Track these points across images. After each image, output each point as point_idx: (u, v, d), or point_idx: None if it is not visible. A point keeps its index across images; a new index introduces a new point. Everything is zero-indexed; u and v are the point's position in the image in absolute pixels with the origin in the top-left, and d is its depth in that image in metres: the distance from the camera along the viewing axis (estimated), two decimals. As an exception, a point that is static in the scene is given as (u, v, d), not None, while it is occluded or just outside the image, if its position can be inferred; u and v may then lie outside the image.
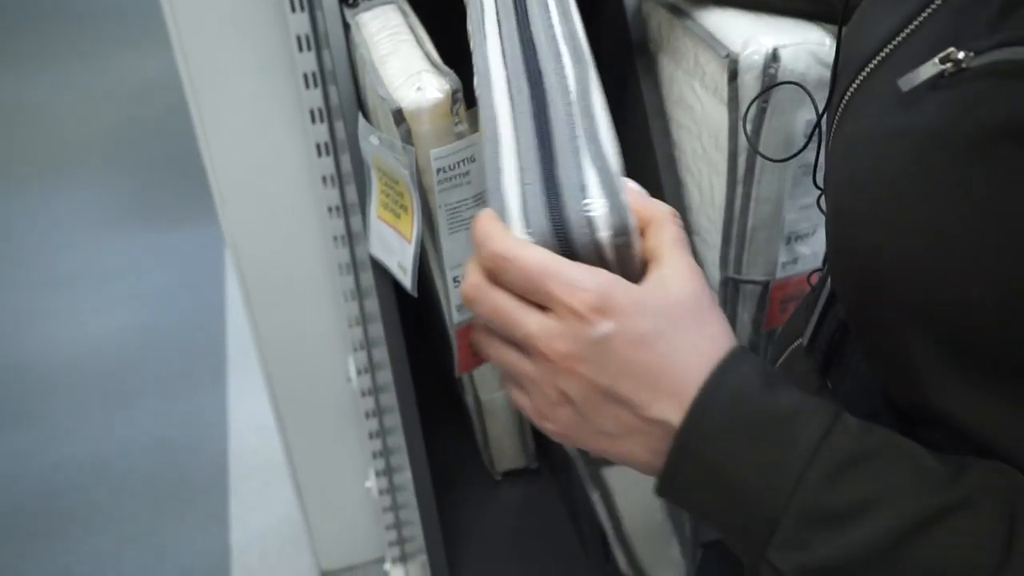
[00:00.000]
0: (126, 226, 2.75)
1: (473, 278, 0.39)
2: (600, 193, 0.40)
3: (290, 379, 1.38)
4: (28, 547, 1.71)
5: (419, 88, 0.64)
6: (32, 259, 2.62)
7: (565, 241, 0.39)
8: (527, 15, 0.50)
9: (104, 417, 2.03)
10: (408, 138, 0.63)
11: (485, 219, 0.40)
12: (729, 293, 0.75)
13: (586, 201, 0.40)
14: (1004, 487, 0.33)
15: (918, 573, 0.32)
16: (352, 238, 1.16)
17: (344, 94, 0.75)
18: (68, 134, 3.36)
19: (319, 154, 1.09)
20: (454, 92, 0.63)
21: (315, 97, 1.04)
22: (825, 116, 0.49)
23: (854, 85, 0.40)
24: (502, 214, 0.40)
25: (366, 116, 0.74)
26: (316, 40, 1.00)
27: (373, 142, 0.68)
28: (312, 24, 0.99)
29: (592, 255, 0.39)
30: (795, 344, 0.55)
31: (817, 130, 0.52)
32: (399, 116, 0.63)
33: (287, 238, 1.23)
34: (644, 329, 0.37)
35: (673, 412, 0.37)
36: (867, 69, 0.39)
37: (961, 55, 0.32)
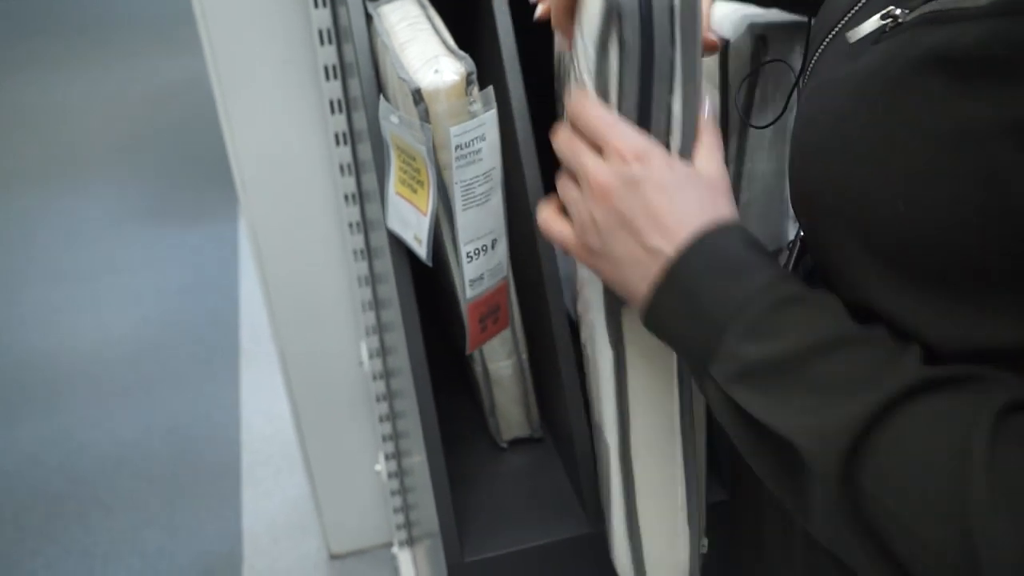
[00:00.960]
0: (146, 224, 2.82)
1: (563, 128, 0.53)
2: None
3: (304, 363, 1.43)
4: (50, 528, 1.77)
5: (437, 71, 0.69)
6: (56, 254, 2.70)
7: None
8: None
9: (124, 405, 2.09)
10: (426, 117, 0.68)
11: (580, 93, 0.51)
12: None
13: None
14: (903, 341, 0.40)
15: (820, 381, 0.40)
16: (367, 225, 1.21)
17: (366, 80, 0.81)
18: (92, 135, 3.45)
19: (337, 143, 1.14)
20: (469, 74, 0.69)
21: (335, 88, 1.10)
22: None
23: (820, 49, 0.47)
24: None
25: (387, 98, 0.79)
26: (337, 34, 1.05)
27: (393, 121, 0.74)
28: (333, 19, 1.05)
29: None
30: None
31: (795, 92, 0.58)
32: (418, 96, 0.68)
33: (304, 225, 1.28)
34: (667, 180, 0.47)
35: (667, 247, 0.46)
36: (831, 35, 0.46)
37: (898, 11, 0.38)
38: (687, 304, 0.45)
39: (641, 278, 0.47)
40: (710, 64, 0.74)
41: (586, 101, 0.50)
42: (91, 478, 1.89)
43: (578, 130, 0.51)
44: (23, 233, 2.82)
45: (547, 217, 0.56)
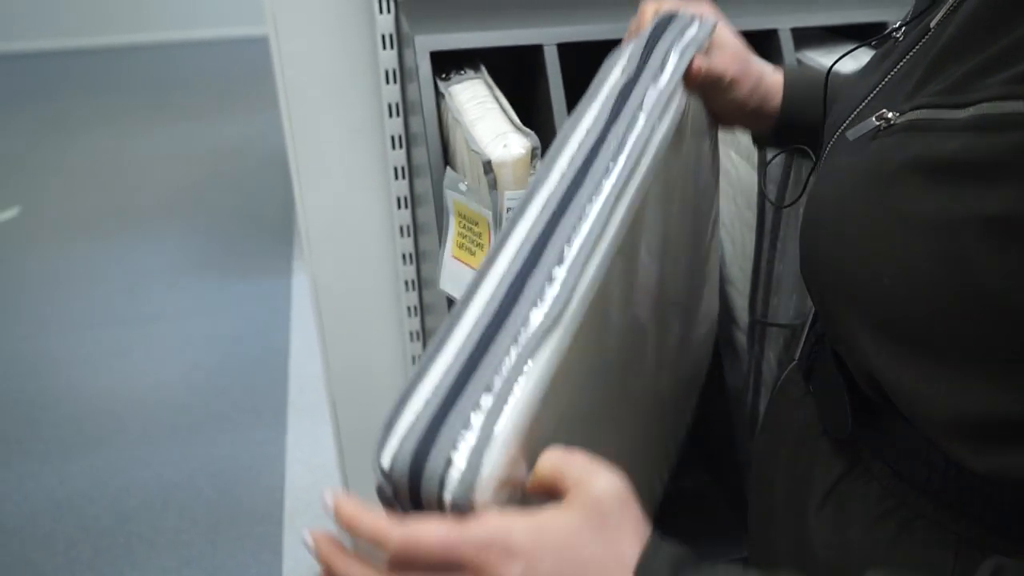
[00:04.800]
0: (202, 275, 2.95)
1: None
2: (464, 460, 0.40)
3: (354, 414, 1.49)
4: (98, 562, 1.83)
5: (505, 145, 0.77)
6: (116, 300, 2.83)
7: (414, 487, 0.40)
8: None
9: (173, 447, 2.17)
10: (494, 185, 0.77)
11: (364, 516, 0.42)
12: (757, 335, 0.86)
13: (450, 464, 0.40)
14: None
15: None
16: (422, 283, 1.29)
17: (433, 150, 0.89)
18: (155, 190, 3.63)
19: (399, 207, 1.23)
20: (534, 149, 0.77)
21: (399, 157, 1.19)
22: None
23: (831, 142, 0.53)
24: (391, 423, 0.42)
25: (454, 168, 0.88)
26: (404, 107, 1.15)
27: (461, 189, 0.82)
28: (402, 94, 1.15)
29: (432, 508, 0.40)
30: (792, 363, 0.67)
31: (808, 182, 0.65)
32: (488, 167, 0.77)
33: (363, 281, 1.37)
34: (547, 563, 0.39)
35: None
36: (840, 129, 0.52)
37: (890, 115, 0.45)
38: None
39: None
40: (748, 145, 0.81)
41: (398, 524, 0.40)
42: (138, 516, 1.96)
43: (410, 562, 0.40)
44: (87, 279, 2.96)
45: None
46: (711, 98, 0.67)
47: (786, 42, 0.96)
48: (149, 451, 2.15)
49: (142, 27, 5.61)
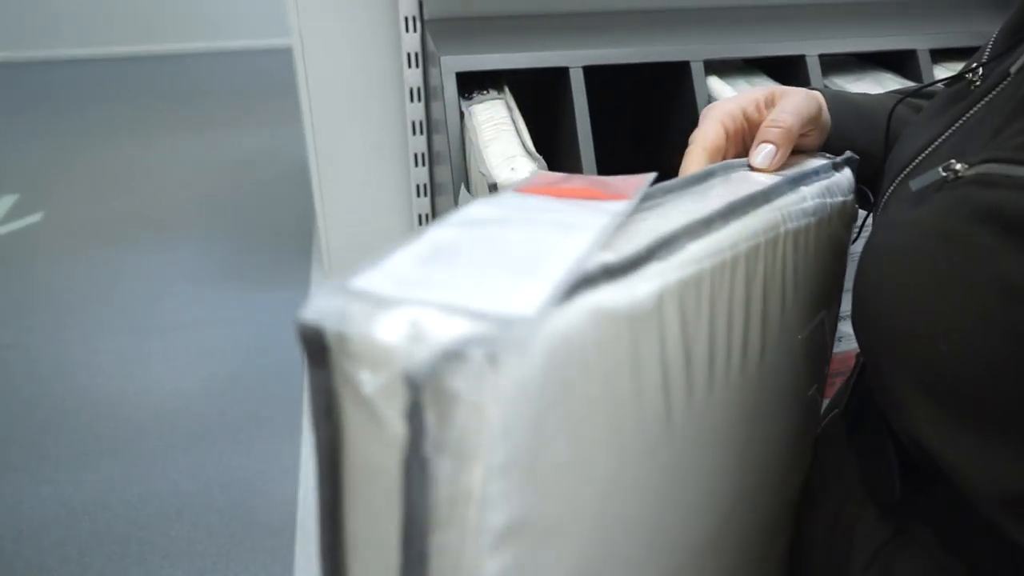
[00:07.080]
0: (220, 284, 2.97)
1: None
2: None
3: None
4: (110, 569, 1.84)
5: (513, 168, 0.77)
6: (134, 308, 2.85)
7: None
8: None
9: (189, 457, 2.17)
10: (500, 208, 0.77)
11: None
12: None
13: None
14: None
15: None
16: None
17: (456, 171, 0.89)
18: (175, 198, 3.66)
19: (420, 223, 1.24)
20: (540, 173, 0.77)
21: (422, 174, 1.20)
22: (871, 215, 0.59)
23: (890, 189, 0.50)
24: None
25: (468, 188, 0.88)
26: (428, 126, 1.16)
27: (475, 210, 0.82)
28: (426, 113, 1.15)
29: None
30: (835, 411, 0.64)
31: (864, 224, 0.63)
32: (493, 189, 0.77)
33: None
34: None
35: None
36: (900, 176, 0.49)
37: (959, 166, 0.41)
38: None
39: None
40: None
41: None
42: (152, 524, 1.96)
43: None
44: (107, 286, 2.99)
45: None
46: None
47: (813, 68, 0.96)
48: (165, 460, 2.16)
49: (166, 37, 5.68)
